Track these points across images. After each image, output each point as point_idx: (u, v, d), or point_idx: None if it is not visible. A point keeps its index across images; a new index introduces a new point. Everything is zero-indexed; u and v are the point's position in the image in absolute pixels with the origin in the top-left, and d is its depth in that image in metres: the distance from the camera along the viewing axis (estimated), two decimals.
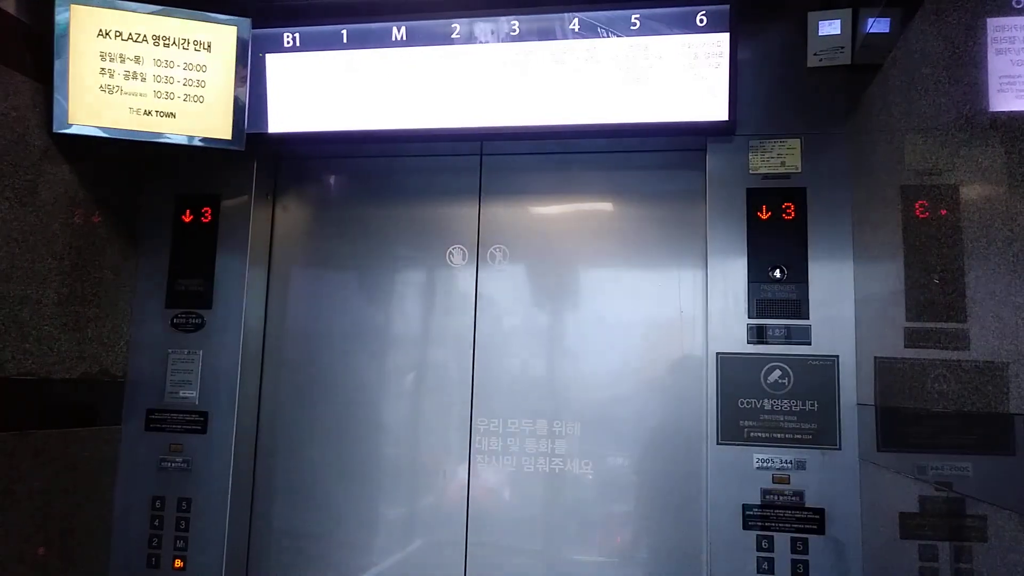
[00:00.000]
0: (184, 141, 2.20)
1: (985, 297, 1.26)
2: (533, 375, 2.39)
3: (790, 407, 2.06)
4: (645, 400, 2.30)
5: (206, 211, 2.45)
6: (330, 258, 2.57)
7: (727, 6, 2.06)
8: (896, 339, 1.70)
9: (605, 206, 2.47)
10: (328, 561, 2.41)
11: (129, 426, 2.39)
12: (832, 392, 2.04)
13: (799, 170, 2.15)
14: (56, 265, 2.14)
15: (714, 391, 2.10)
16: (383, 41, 2.23)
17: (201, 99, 2.20)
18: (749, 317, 2.11)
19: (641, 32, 2.10)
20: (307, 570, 2.42)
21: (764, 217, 2.14)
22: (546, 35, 2.15)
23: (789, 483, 2.04)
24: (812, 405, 2.05)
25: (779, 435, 2.06)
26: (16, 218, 2.00)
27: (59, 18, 2.07)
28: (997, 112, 1.23)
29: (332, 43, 2.26)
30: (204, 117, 2.20)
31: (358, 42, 2.25)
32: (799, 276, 2.10)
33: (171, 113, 2.18)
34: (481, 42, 2.18)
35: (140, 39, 2.15)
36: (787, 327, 2.09)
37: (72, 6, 2.08)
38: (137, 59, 2.15)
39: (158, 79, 2.16)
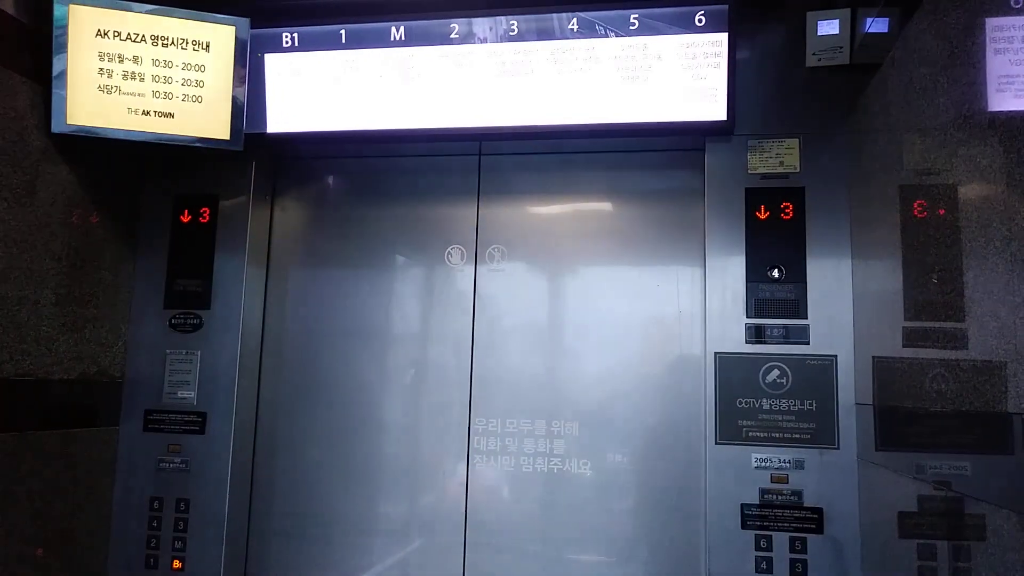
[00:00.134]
0: (183, 141, 2.20)
1: (983, 296, 1.26)
2: (532, 375, 2.39)
3: (788, 407, 2.06)
4: (643, 400, 2.30)
5: (204, 211, 2.45)
6: (329, 258, 2.56)
7: (725, 6, 2.06)
8: (894, 339, 1.70)
9: (604, 206, 2.47)
10: (327, 561, 2.41)
11: (127, 427, 2.39)
12: (830, 392, 2.05)
13: (797, 170, 2.15)
14: (54, 266, 2.14)
15: (712, 391, 2.10)
16: (382, 41, 2.23)
17: (200, 99, 2.19)
18: (747, 317, 2.12)
19: (640, 32, 2.10)
20: (306, 570, 2.41)
21: (762, 217, 2.15)
22: (545, 35, 2.15)
23: (788, 482, 2.04)
24: (810, 405, 2.05)
25: (777, 435, 2.06)
26: (14, 218, 2.00)
27: (57, 18, 2.07)
28: (995, 112, 1.24)
29: (331, 43, 2.26)
30: (203, 117, 2.20)
31: (357, 42, 2.25)
32: (797, 276, 2.10)
33: (170, 113, 2.18)
34: (480, 42, 2.18)
35: (139, 39, 2.14)
36: (785, 327, 2.09)
37: (71, 6, 2.08)
38: (136, 59, 2.14)
39: (157, 79, 2.16)
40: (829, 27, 2.07)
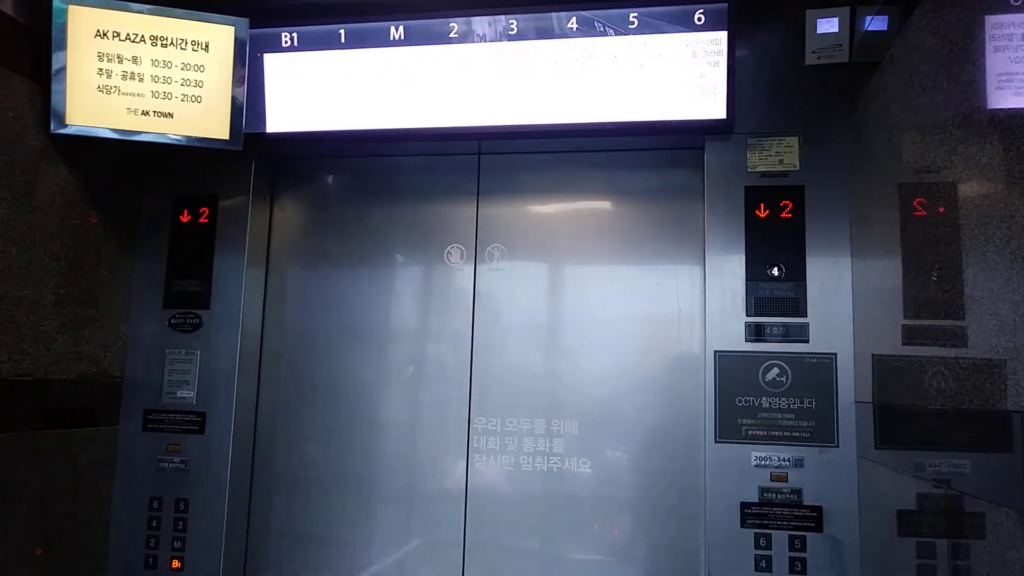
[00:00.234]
0: (182, 141, 2.19)
1: (983, 294, 1.26)
2: (531, 374, 2.39)
3: (788, 405, 2.06)
4: (643, 398, 2.30)
5: (204, 211, 2.45)
6: (328, 258, 2.56)
7: (725, 4, 2.06)
8: (894, 336, 1.70)
9: (603, 204, 2.47)
10: (326, 561, 2.41)
11: (127, 427, 2.39)
12: (830, 390, 2.05)
13: (797, 168, 2.15)
14: (53, 265, 2.14)
15: (712, 389, 2.10)
16: (381, 40, 2.23)
17: (199, 99, 2.19)
18: (747, 315, 2.12)
19: (639, 30, 2.10)
20: (305, 570, 2.41)
21: (762, 215, 2.15)
22: (544, 34, 2.15)
23: (787, 481, 2.04)
24: (810, 403, 2.05)
25: (777, 433, 2.06)
26: (13, 218, 2.00)
27: (56, 18, 2.07)
28: (995, 109, 1.24)
29: (330, 42, 2.26)
30: (202, 117, 2.20)
31: (356, 41, 2.25)
32: (797, 274, 2.10)
33: (169, 113, 2.18)
34: (479, 41, 2.18)
35: (138, 39, 2.14)
36: (785, 325, 2.09)
37: (70, 6, 2.08)
38: (135, 59, 2.14)
39: (156, 79, 2.16)
40: (828, 25, 2.07)
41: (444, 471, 2.39)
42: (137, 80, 2.15)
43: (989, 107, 1.25)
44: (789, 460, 2.05)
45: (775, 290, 2.11)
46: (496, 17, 2.16)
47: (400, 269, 2.53)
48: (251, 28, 2.22)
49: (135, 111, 2.15)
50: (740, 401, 2.09)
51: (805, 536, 2.01)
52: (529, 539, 2.32)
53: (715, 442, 2.08)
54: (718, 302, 2.14)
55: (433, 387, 2.44)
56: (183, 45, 2.17)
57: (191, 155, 2.29)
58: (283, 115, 2.31)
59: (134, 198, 2.48)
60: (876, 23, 1.92)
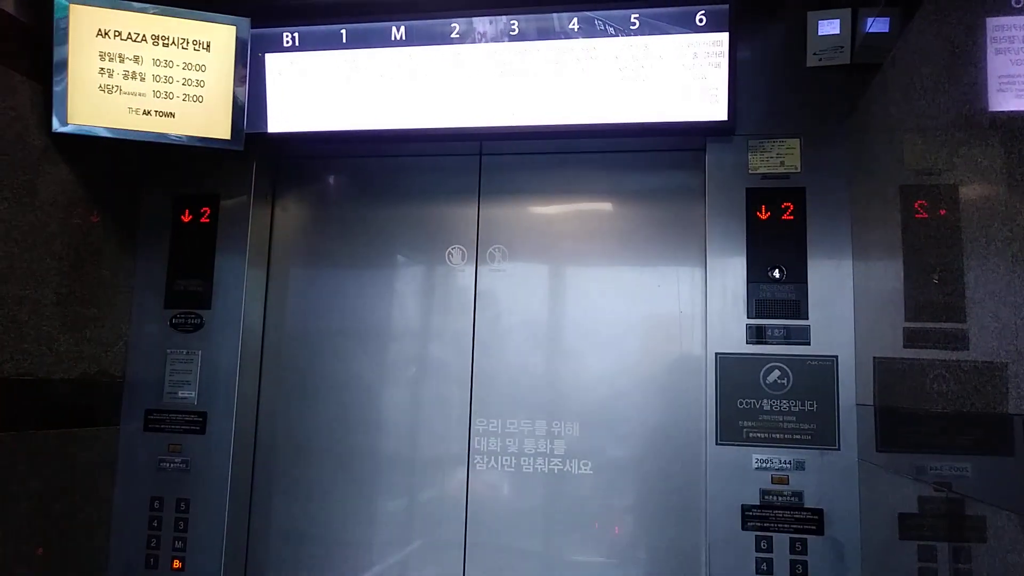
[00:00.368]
0: (183, 141, 2.20)
1: (984, 297, 1.26)
2: (532, 375, 2.39)
3: (789, 407, 2.06)
4: (644, 400, 2.30)
5: (205, 211, 2.45)
6: (329, 258, 2.56)
7: (726, 6, 2.06)
8: (895, 339, 1.70)
9: (604, 206, 2.47)
10: (327, 562, 2.41)
11: (128, 426, 2.39)
12: (831, 392, 2.04)
13: (798, 170, 2.15)
14: (55, 265, 2.14)
15: (713, 391, 2.10)
16: (382, 40, 2.23)
17: (200, 99, 2.19)
18: (748, 317, 2.11)
19: (640, 31, 2.10)
20: (306, 571, 2.41)
21: (763, 217, 2.14)
22: (545, 34, 2.15)
23: (788, 483, 2.03)
24: (811, 405, 2.05)
25: (778, 435, 2.06)
26: (14, 218, 2.00)
27: (58, 17, 2.07)
28: (996, 112, 1.23)
29: (331, 43, 2.26)
30: (203, 117, 2.20)
31: (357, 41, 2.25)
32: (798, 276, 2.10)
33: (170, 113, 2.18)
34: (480, 41, 2.18)
35: (139, 39, 2.14)
36: (786, 327, 2.08)
37: (71, 5, 2.08)
38: (136, 59, 2.15)
39: (157, 79, 2.16)
40: (830, 27, 2.07)
41: (445, 472, 2.39)
42: (138, 79, 2.15)
43: (990, 109, 1.24)
44: (790, 463, 2.04)
45: (776, 292, 2.10)
46: (497, 18, 2.16)
47: (401, 270, 2.53)
48: (253, 28, 2.23)
49: (136, 110, 2.15)
50: (741, 403, 2.08)
51: (806, 539, 2.00)
52: (530, 540, 2.32)
53: (716, 444, 2.08)
54: (719, 304, 2.14)
55: (434, 388, 2.44)
56: (185, 44, 2.17)
57: (192, 155, 2.30)
58: (284, 115, 2.31)
59: (135, 198, 2.48)
60: (877, 25, 1.91)
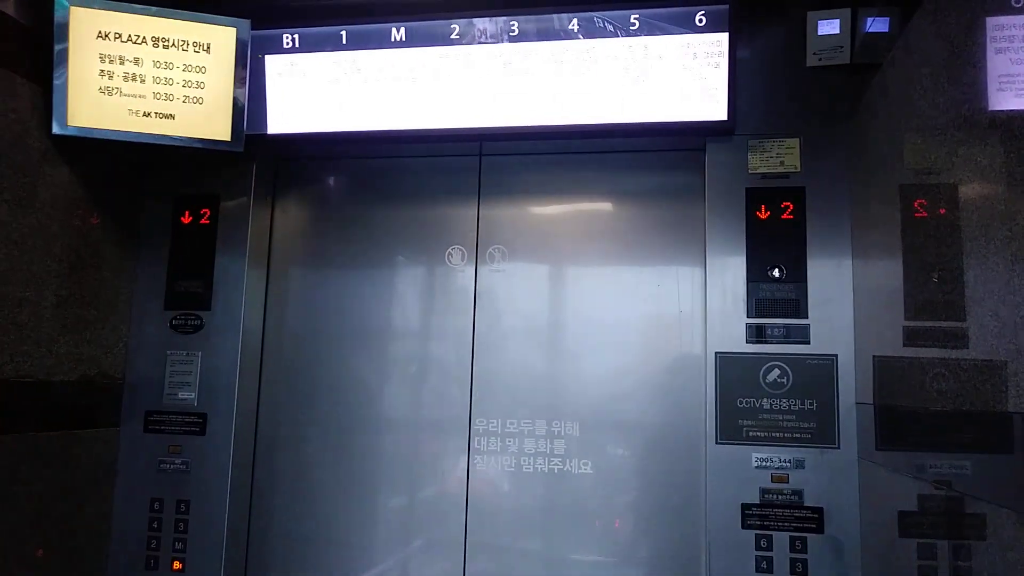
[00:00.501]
0: (183, 142, 2.19)
1: (984, 296, 1.26)
2: (532, 375, 2.39)
3: (789, 406, 2.06)
4: (644, 399, 2.30)
5: (205, 212, 2.45)
6: (329, 259, 2.56)
7: (726, 6, 2.06)
8: (895, 338, 1.70)
9: (604, 206, 2.47)
10: (327, 562, 2.41)
11: (128, 428, 2.39)
12: (831, 391, 2.05)
13: (798, 169, 2.15)
14: (55, 267, 2.14)
15: (713, 390, 2.11)
16: (382, 42, 2.23)
17: (200, 100, 2.19)
18: (748, 316, 2.12)
19: (640, 32, 2.10)
20: (307, 571, 2.41)
21: (763, 216, 2.15)
22: (545, 35, 2.15)
23: (788, 482, 2.04)
24: (811, 404, 2.05)
25: (778, 434, 2.06)
26: (15, 220, 2.00)
27: (58, 19, 2.07)
28: (996, 111, 1.24)
29: (331, 44, 2.26)
30: (203, 118, 2.20)
31: (357, 43, 2.25)
32: (798, 275, 2.10)
33: (170, 114, 2.18)
34: (480, 42, 2.18)
35: (140, 40, 2.14)
36: (786, 326, 2.09)
37: (72, 7, 2.08)
38: (136, 60, 2.14)
39: (157, 80, 2.16)
40: (829, 27, 2.07)
41: (445, 472, 2.39)
42: (139, 81, 2.15)
43: (990, 109, 1.25)
44: (790, 461, 2.05)
45: (776, 291, 2.11)
46: (497, 19, 2.17)
47: (401, 270, 2.53)
48: (253, 29, 2.22)
49: (137, 112, 2.15)
50: (741, 402, 2.09)
51: (806, 537, 2.01)
52: (530, 540, 2.32)
53: (716, 443, 2.09)
54: (719, 303, 2.14)
55: (434, 388, 2.44)
56: (185, 46, 2.17)
57: (192, 156, 2.30)
58: (284, 116, 2.31)
59: (135, 199, 2.48)
60: (877, 25, 1.92)
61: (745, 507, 2.05)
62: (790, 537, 2.02)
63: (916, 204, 1.60)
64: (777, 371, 2.08)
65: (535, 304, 2.42)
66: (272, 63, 2.29)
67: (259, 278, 2.51)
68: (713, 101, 2.08)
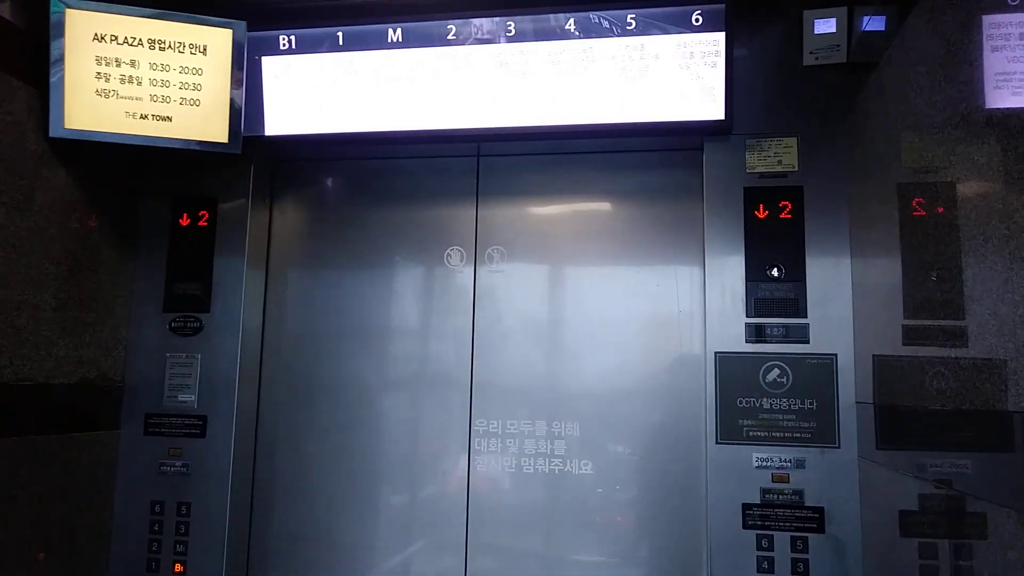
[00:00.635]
0: (181, 144, 2.19)
1: (983, 294, 1.26)
2: (532, 376, 2.39)
3: (789, 406, 2.06)
4: (644, 400, 2.30)
5: (203, 214, 2.44)
6: (328, 260, 2.56)
7: (723, 5, 2.06)
8: (894, 337, 1.70)
9: (602, 206, 2.47)
10: (328, 563, 2.41)
11: (128, 430, 2.38)
12: (831, 390, 2.04)
13: (796, 169, 2.15)
14: (53, 270, 2.14)
15: (713, 390, 2.10)
16: (379, 43, 2.23)
17: (197, 102, 2.19)
18: (747, 316, 2.11)
19: (637, 31, 2.10)
20: (308, 573, 2.41)
21: (761, 216, 2.14)
22: (542, 35, 2.15)
23: (788, 482, 2.03)
24: (811, 404, 2.05)
25: (778, 434, 2.06)
26: (12, 223, 2.00)
27: (54, 21, 2.07)
28: (993, 109, 1.23)
29: (328, 45, 2.26)
30: (200, 120, 2.20)
31: (354, 44, 2.25)
32: (797, 274, 2.10)
33: (167, 117, 2.18)
34: (477, 42, 2.18)
35: (136, 43, 2.14)
36: (785, 326, 2.09)
37: (68, 10, 2.08)
38: (133, 63, 2.14)
39: (154, 83, 2.16)
40: (826, 25, 2.07)
41: (446, 473, 2.39)
42: (135, 83, 2.15)
43: (987, 107, 1.25)
44: (790, 461, 2.04)
45: (775, 291, 2.11)
46: (494, 19, 2.16)
47: (400, 271, 2.53)
48: (249, 31, 2.22)
49: (133, 114, 2.15)
50: (741, 402, 2.09)
51: (807, 537, 2.01)
52: (531, 540, 2.32)
53: (716, 443, 2.08)
54: (718, 303, 2.14)
55: (434, 389, 2.44)
56: (181, 48, 2.17)
57: (190, 158, 2.30)
58: (282, 118, 2.31)
59: (133, 202, 2.48)
60: (873, 23, 1.92)
61: (746, 507, 2.04)
62: (791, 537, 2.01)
63: (914, 202, 1.59)
64: (777, 371, 2.08)
65: (534, 305, 2.42)
66: (269, 64, 2.29)
67: (258, 280, 2.51)
68: (710, 100, 2.08)
